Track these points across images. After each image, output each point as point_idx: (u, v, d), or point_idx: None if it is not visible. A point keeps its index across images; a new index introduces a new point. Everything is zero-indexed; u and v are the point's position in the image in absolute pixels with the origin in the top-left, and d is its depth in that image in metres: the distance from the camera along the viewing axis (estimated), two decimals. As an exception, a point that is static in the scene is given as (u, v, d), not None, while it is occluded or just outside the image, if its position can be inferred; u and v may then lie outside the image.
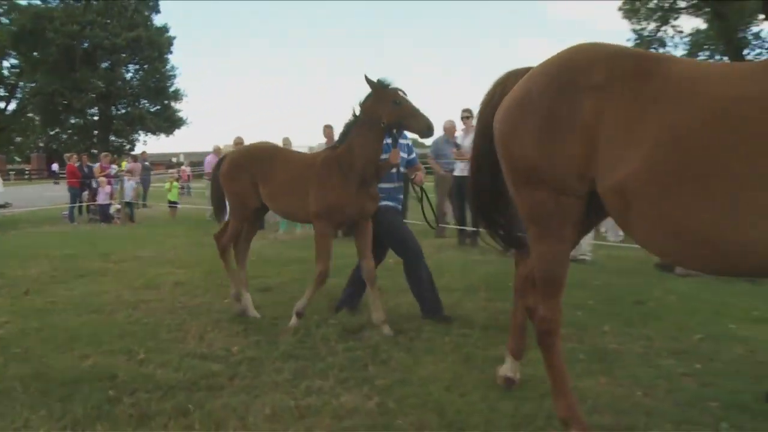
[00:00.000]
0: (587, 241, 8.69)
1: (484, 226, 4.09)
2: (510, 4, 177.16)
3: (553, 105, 3.01)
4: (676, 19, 23.54)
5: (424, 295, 5.69)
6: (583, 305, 5.68)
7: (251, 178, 5.73)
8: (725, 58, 22.03)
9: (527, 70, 3.36)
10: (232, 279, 6.05)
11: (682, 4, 23.00)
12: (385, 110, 5.15)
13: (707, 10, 21.66)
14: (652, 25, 23.43)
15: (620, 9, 22.61)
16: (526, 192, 3.19)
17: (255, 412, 3.66)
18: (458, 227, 10.63)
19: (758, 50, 21.27)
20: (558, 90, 3.01)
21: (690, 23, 26.17)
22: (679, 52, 23.27)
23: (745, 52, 21.11)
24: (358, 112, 5.39)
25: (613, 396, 3.81)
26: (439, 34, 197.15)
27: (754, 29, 21.43)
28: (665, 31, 23.35)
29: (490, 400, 3.74)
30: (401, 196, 6.20)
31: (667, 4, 22.97)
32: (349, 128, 5.45)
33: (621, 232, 11.14)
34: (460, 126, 10.99)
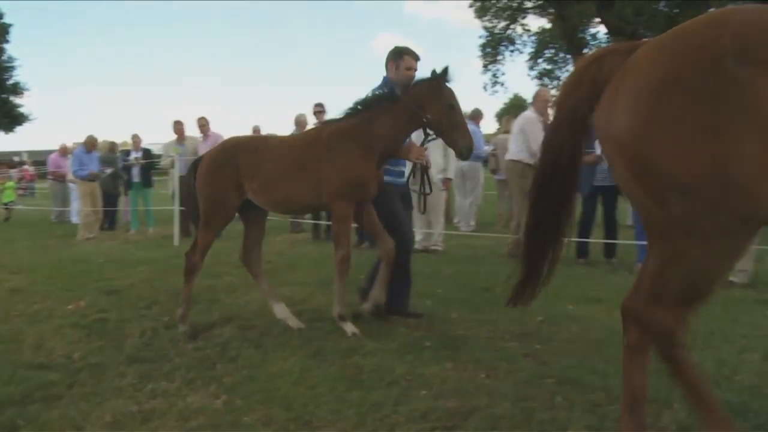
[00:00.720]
0: (438, 231, 8.94)
1: (546, 235, 3.19)
2: (366, 4, 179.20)
3: (718, 89, 2.29)
4: (524, 18, 24.67)
5: (394, 289, 5.21)
6: (432, 294, 5.82)
7: (233, 175, 5.03)
8: (569, 57, 23.50)
9: (632, 45, 2.69)
10: (185, 301, 5.18)
11: (529, 5, 24.14)
12: (437, 108, 4.66)
13: (551, 11, 22.90)
14: (502, 24, 24.43)
15: (471, 7, 23.47)
16: (674, 199, 2.45)
17: (94, 420, 3.45)
18: (313, 222, 10.60)
19: (595, 49, 22.90)
20: (723, 70, 2.28)
21: (537, 23, 27.72)
22: (528, 49, 24.46)
23: (585, 50, 22.57)
24: (397, 90, 4.89)
25: (459, 380, 3.92)
26: (297, 34, 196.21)
27: (592, 30, 22.98)
28: (514, 29, 24.46)
29: (338, 391, 3.73)
30: (403, 169, 5.53)
31: (515, 4, 24.02)
32: (375, 102, 4.87)
33: (473, 222, 11.60)
34: (312, 120, 10.95)
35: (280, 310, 5.25)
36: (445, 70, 4.73)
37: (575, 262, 7.96)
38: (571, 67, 23.54)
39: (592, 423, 3.29)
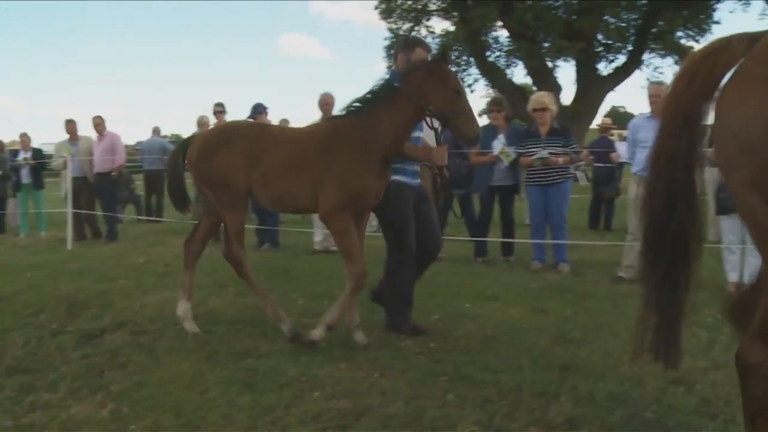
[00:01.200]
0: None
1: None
2: (270, 4, 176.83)
3: None
4: (428, 20, 25.01)
5: (398, 306, 4.95)
6: (330, 294, 5.80)
7: (236, 155, 4.54)
8: (471, 59, 24.03)
9: (753, 36, 2.37)
10: (264, 299, 4.81)
11: (433, 7, 24.52)
12: (440, 95, 4.21)
13: (455, 13, 23.35)
14: (407, 25, 24.69)
15: (376, 8, 23.64)
16: None
17: (-37, 439, 3.26)
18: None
19: (497, 52, 23.54)
20: None
21: (441, 25, 28.20)
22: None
23: (487, 53, 23.22)
24: (396, 81, 4.40)
25: (352, 380, 3.94)
26: (200, 33, 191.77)
27: (494, 33, 23.62)
28: (419, 31, 24.73)
29: (230, 395, 3.69)
30: (417, 168, 5.07)
31: (420, 6, 24.33)
32: (375, 97, 4.39)
33: (375, 222, 11.62)
34: (213, 120, 10.74)
35: (183, 309, 4.94)
36: (444, 52, 4.46)
37: (473, 261, 8.17)
38: (474, 69, 24.10)
39: (482, 419, 3.37)
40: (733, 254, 6.54)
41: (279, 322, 4.67)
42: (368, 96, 4.43)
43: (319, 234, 9.00)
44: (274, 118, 11.07)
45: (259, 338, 4.73)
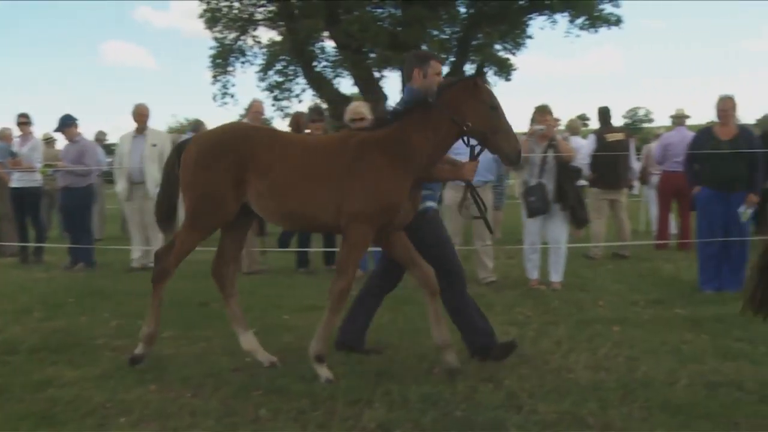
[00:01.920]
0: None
1: None
2: (90, 4, 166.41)
3: None
4: (254, 30, 24.75)
5: (476, 326, 4.59)
6: (143, 314, 5.62)
7: (235, 168, 4.11)
8: (299, 69, 24.10)
9: None
10: (153, 315, 4.48)
11: (259, 17, 24.31)
12: (478, 112, 4.01)
13: (281, 24, 23.33)
14: (233, 35, 24.30)
15: (201, 17, 23.01)
16: None
17: None
18: (21, 244, 9.62)
19: (324, 63, 23.79)
20: None
21: (267, 35, 28.13)
22: (259, 61, 24.59)
23: (314, 63, 23.38)
24: (415, 97, 4.21)
25: (162, 401, 3.85)
26: (13, 35, 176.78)
27: (321, 44, 23.83)
28: (245, 41, 24.42)
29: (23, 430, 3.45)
30: (439, 193, 4.93)
31: (246, 15, 24.02)
32: (408, 110, 4.16)
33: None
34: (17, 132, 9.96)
35: (248, 342, 4.57)
36: (480, 69, 4.28)
37: (296, 272, 8.21)
38: (301, 79, 24.16)
39: (294, 431, 3.43)
40: (534, 254, 7.11)
41: (145, 343, 4.48)
42: (398, 110, 4.25)
43: (137, 251, 8.65)
44: (88, 130, 10.44)
45: (63, 366, 4.48)
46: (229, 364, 4.51)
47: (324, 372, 4.16)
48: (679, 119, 9.74)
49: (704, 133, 6.88)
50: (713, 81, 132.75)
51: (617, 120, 10.73)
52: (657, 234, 9.93)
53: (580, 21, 21.21)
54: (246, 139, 4.22)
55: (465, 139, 4.15)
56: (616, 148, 8.76)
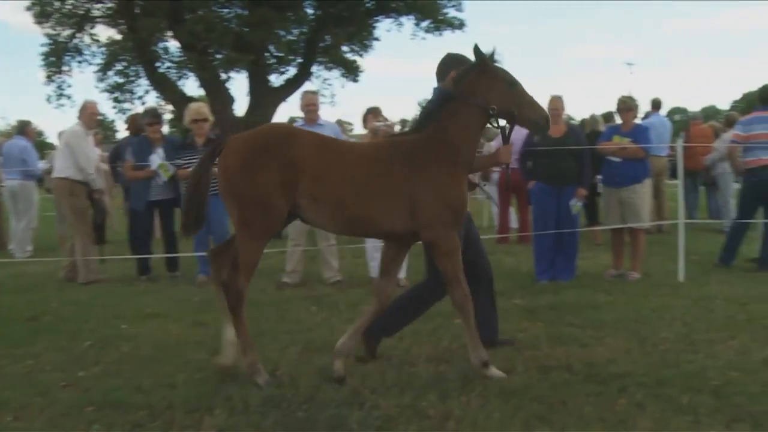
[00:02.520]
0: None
1: None
2: None
3: None
4: (92, 27, 23.39)
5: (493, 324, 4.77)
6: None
7: (283, 170, 3.83)
8: (141, 69, 23.02)
9: None
10: (246, 343, 4.06)
11: (97, 13, 23.00)
12: (497, 93, 3.96)
13: (121, 22, 22.18)
14: (68, 32, 22.80)
15: (29, 10, 21.36)
16: None
17: None
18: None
19: (168, 63, 22.87)
20: None
21: (107, 33, 26.57)
22: (97, 61, 23.23)
23: (158, 64, 22.44)
24: (452, 89, 4.03)
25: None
26: None
27: (164, 44, 22.91)
28: (82, 38, 23.01)
29: None
30: None
31: (82, 11, 22.63)
32: (436, 108, 4.06)
33: (30, 247, 10.54)
34: None
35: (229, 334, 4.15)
36: (477, 49, 4.00)
37: (137, 280, 7.82)
38: (144, 80, 23.11)
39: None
40: (377, 252, 7.19)
41: (255, 374, 4.05)
42: (429, 111, 4.15)
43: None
44: None
45: None
46: (59, 381, 4.20)
47: (496, 373, 4.10)
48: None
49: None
50: (548, 85, 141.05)
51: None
52: (498, 228, 10.39)
53: (425, 24, 21.90)
54: (291, 140, 3.97)
55: (494, 122, 4.13)
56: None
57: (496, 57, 4.11)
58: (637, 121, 8.17)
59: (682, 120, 33.38)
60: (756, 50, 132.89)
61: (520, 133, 7.02)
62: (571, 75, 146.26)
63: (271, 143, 3.95)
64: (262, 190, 3.85)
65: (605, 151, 7.26)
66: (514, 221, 10.74)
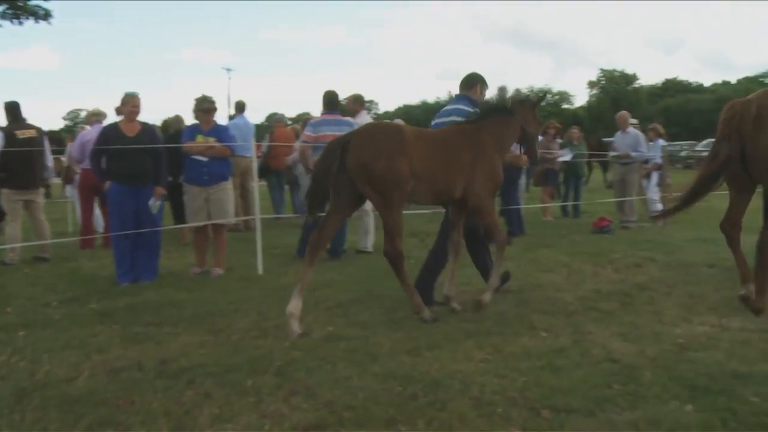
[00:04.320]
0: None
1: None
2: None
3: None
4: None
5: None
6: None
7: (406, 157, 5.00)
8: None
9: None
10: (411, 291, 5.36)
11: None
12: (533, 123, 5.87)
13: None
14: None
15: None
16: None
17: None
18: None
19: None
20: None
21: None
22: None
23: None
24: (509, 104, 5.69)
25: None
26: None
27: None
28: None
29: None
30: None
31: None
32: (492, 111, 5.59)
33: None
34: None
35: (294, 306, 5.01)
36: (544, 94, 6.48)
37: None
38: None
39: None
40: None
41: (420, 311, 5.22)
42: (488, 110, 5.61)
43: None
44: None
45: None
46: None
47: (487, 297, 5.49)
48: (96, 117, 9.69)
49: (110, 129, 6.92)
50: (152, 85, 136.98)
51: (59, 122, 10.09)
52: (81, 232, 9.69)
53: (1, 9, 19.39)
54: (402, 133, 5.12)
55: (521, 141, 5.85)
56: (30, 145, 8.21)
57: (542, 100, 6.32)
58: (221, 122, 8.34)
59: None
60: (343, 64, 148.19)
61: (91, 134, 6.65)
62: (175, 77, 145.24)
63: (392, 137, 5.07)
64: (396, 173, 4.94)
65: (191, 151, 7.24)
66: (100, 224, 10.11)
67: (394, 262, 5.13)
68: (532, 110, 5.85)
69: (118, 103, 7.31)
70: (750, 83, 75.69)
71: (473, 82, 6.14)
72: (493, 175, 5.44)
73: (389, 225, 5.09)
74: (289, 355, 4.37)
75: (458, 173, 5.25)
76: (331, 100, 8.40)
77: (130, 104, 6.88)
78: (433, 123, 6.18)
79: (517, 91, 6.29)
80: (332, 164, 4.98)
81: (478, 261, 6.09)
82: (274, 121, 13.64)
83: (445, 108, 6.26)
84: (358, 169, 4.93)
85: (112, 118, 8.49)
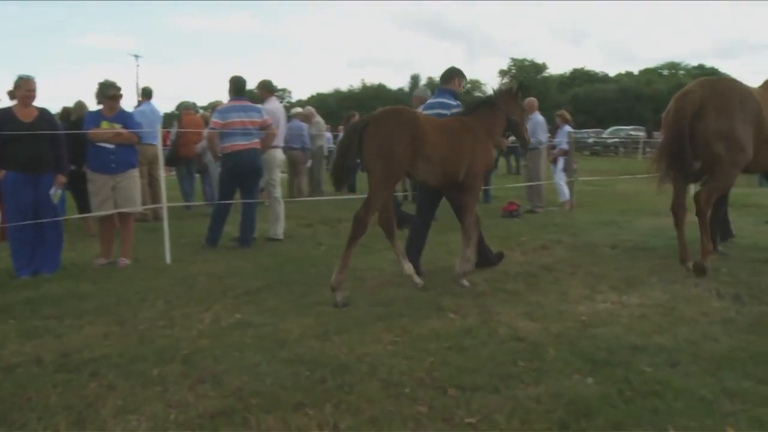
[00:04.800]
0: None
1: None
2: None
3: None
4: None
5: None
6: None
7: (413, 141, 5.46)
8: None
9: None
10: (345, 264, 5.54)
11: None
12: (518, 111, 6.42)
13: None
14: None
15: None
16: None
17: None
18: None
19: None
20: None
21: None
22: None
23: None
24: (452, 96, 6.69)
25: None
26: None
27: None
28: None
29: None
30: None
31: None
32: (481, 104, 6.24)
33: None
34: None
35: (408, 268, 6.01)
36: (521, 83, 6.63)
37: None
38: None
39: None
40: None
41: (336, 289, 5.40)
42: (477, 103, 6.30)
43: None
44: None
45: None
46: None
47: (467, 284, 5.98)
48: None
49: (2, 114, 6.54)
50: (58, 71, 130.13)
51: None
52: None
53: None
54: (416, 120, 5.56)
55: (507, 127, 6.36)
56: None
57: (523, 89, 6.57)
58: (128, 109, 8.06)
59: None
60: (256, 53, 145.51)
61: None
62: (81, 63, 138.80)
63: (406, 121, 5.48)
64: (401, 154, 5.38)
65: (96, 138, 6.97)
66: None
67: (358, 228, 5.42)
68: (514, 99, 6.39)
69: (10, 86, 6.92)
70: (650, 74, 79.67)
71: (451, 76, 6.86)
72: (486, 159, 6.12)
73: (375, 200, 5.45)
74: (197, 343, 4.33)
75: (463, 158, 5.83)
76: (238, 86, 8.27)
77: (24, 88, 6.52)
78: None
79: (458, 70, 6.95)
80: (353, 143, 5.50)
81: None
82: (183, 108, 13.20)
83: (429, 101, 6.97)
84: (371, 147, 5.41)
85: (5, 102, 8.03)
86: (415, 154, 5.48)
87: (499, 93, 6.35)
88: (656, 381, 3.64)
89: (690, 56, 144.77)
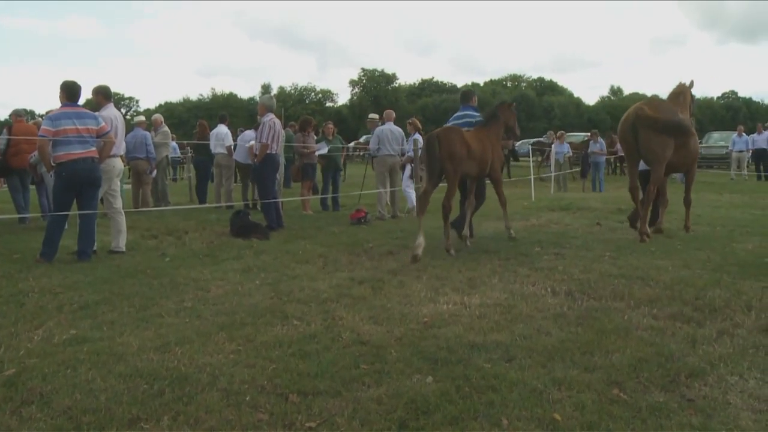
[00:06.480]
0: None
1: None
2: None
3: None
4: None
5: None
6: None
7: (466, 145, 8.12)
8: None
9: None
10: (447, 232, 8.36)
11: None
12: (512, 120, 9.17)
13: None
14: None
15: None
16: None
17: None
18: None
19: None
20: None
21: None
22: None
23: None
24: (497, 111, 9.07)
25: None
26: None
27: None
28: None
29: None
30: None
31: None
32: (493, 116, 8.95)
33: None
34: None
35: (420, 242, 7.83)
36: (515, 100, 12.83)
37: None
38: None
39: None
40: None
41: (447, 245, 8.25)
42: (490, 115, 9.01)
43: None
44: None
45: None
46: None
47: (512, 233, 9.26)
48: None
49: None
50: None
51: None
52: None
53: None
54: (464, 133, 8.32)
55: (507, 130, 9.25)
56: None
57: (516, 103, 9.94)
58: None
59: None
60: (102, 60, 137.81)
61: None
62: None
63: (461, 135, 8.18)
64: (463, 157, 8.08)
65: None
66: None
67: (445, 210, 8.14)
68: (509, 109, 9.18)
69: None
70: (495, 85, 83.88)
71: (470, 96, 9.93)
72: (501, 156, 9.23)
73: (453, 188, 8.14)
74: (24, 363, 4.07)
75: (490, 156, 8.50)
76: (71, 92, 7.80)
77: None
78: (449, 122, 9.42)
79: (473, 91, 10.32)
80: (434, 151, 7.94)
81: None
82: (13, 115, 12.21)
83: (458, 113, 9.56)
84: (446, 153, 7.93)
85: None
86: (467, 155, 8.05)
87: (500, 106, 9.11)
88: (493, 376, 3.83)
89: (531, 69, 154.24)
